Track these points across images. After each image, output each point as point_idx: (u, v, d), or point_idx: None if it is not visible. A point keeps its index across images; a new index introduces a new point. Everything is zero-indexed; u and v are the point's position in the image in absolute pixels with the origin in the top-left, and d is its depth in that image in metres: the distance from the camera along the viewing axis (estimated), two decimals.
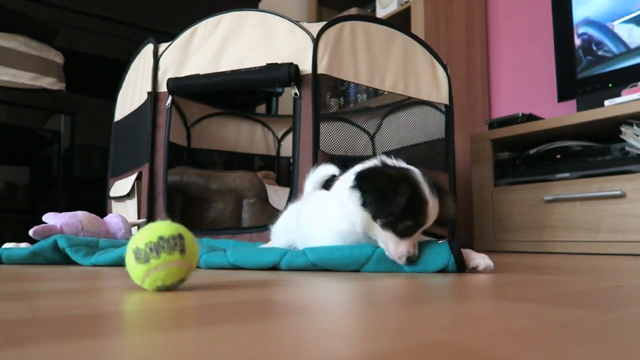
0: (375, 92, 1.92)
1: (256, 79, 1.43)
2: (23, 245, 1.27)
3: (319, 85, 1.40)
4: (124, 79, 1.87)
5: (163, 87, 1.57)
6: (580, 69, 2.01)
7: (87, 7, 2.00)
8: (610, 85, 1.90)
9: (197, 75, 1.51)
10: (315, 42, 1.40)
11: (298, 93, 1.40)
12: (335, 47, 1.44)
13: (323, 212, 0.94)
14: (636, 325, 0.39)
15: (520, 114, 2.03)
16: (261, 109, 2.69)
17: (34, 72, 1.74)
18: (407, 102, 1.69)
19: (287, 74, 1.38)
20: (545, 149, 1.96)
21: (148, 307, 0.48)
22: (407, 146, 1.70)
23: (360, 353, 0.28)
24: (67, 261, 1.08)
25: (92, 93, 2.17)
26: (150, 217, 1.53)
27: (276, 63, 1.40)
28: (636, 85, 1.75)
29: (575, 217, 1.78)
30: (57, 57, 1.83)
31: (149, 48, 1.65)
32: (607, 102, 1.75)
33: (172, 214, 1.59)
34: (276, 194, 1.80)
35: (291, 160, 1.45)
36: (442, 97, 1.69)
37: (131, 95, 1.74)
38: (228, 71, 1.48)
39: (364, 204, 0.82)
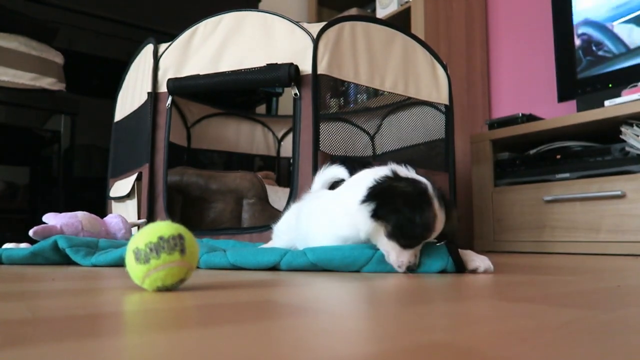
0: (375, 93, 1.92)
1: (256, 79, 1.43)
2: (23, 245, 1.27)
3: (319, 85, 1.40)
4: (124, 79, 1.87)
5: (163, 88, 1.57)
6: (580, 69, 2.01)
7: (87, 8, 2.00)
8: (610, 85, 1.90)
9: (197, 76, 1.51)
10: (315, 42, 1.40)
11: (298, 93, 1.40)
12: (335, 48, 1.44)
13: (325, 214, 0.94)
14: (636, 326, 0.39)
15: (520, 114, 2.03)
16: (261, 109, 2.69)
17: (34, 73, 1.74)
18: (407, 103, 1.69)
19: (287, 74, 1.38)
20: (545, 149, 1.96)
21: (148, 307, 0.48)
22: (407, 146, 1.70)
23: (360, 353, 0.28)
24: (67, 261, 1.08)
25: (92, 93, 2.18)
26: (150, 218, 1.53)
27: (276, 63, 1.40)
28: (636, 86, 1.75)
29: (576, 217, 1.78)
30: (57, 58, 1.83)
31: (149, 48, 1.65)
32: (607, 103, 1.75)
33: (172, 214, 1.59)
34: (276, 194, 1.80)
35: (291, 161, 1.45)
36: (442, 98, 1.69)
37: (131, 96, 1.74)
38: (228, 71, 1.48)
39: (375, 216, 0.80)
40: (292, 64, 1.39)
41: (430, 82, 1.66)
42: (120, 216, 1.39)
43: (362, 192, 0.82)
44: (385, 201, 0.80)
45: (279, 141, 2.40)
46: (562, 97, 2.06)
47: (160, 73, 1.59)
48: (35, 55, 1.75)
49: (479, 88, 2.56)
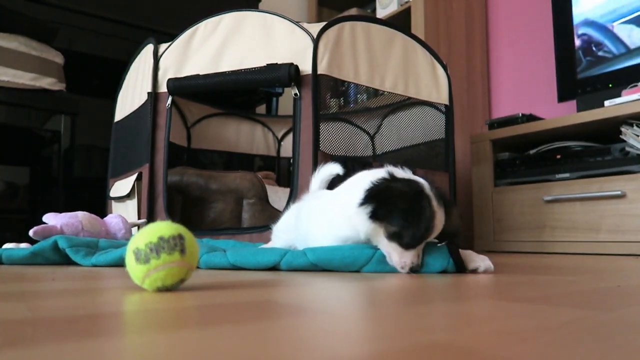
0: (375, 93, 1.92)
1: (256, 79, 1.43)
2: (23, 245, 1.27)
3: (319, 85, 1.40)
4: (124, 79, 1.87)
5: (163, 88, 1.57)
6: (580, 70, 2.01)
7: (87, 8, 2.00)
8: (610, 85, 1.90)
9: (197, 76, 1.51)
10: (316, 42, 1.40)
11: (298, 93, 1.40)
12: (335, 48, 1.44)
13: (325, 215, 0.94)
14: (636, 325, 0.39)
15: (520, 114, 2.03)
16: (261, 109, 2.69)
17: (34, 73, 1.74)
18: (407, 103, 1.69)
19: (287, 74, 1.38)
20: (545, 149, 1.96)
21: (148, 307, 0.48)
22: (407, 146, 1.70)
23: (360, 353, 0.28)
24: (67, 261, 1.08)
25: (92, 93, 2.18)
26: (150, 218, 1.53)
27: (276, 63, 1.40)
28: (636, 86, 1.75)
29: (576, 217, 1.78)
30: (57, 58, 1.83)
31: (149, 48, 1.65)
32: (607, 103, 1.75)
33: (172, 214, 1.59)
34: (276, 194, 1.80)
35: (291, 161, 1.45)
36: (442, 98, 1.69)
37: (131, 96, 1.74)
38: (228, 71, 1.48)
39: (374, 218, 0.80)
40: (292, 64, 1.39)
41: (430, 82, 1.66)
42: (120, 216, 1.39)
43: (360, 194, 0.82)
44: (383, 202, 0.80)
45: (279, 141, 2.40)
46: (562, 97, 2.06)
47: (160, 73, 1.59)
48: (35, 55, 1.75)
49: (479, 88, 2.56)
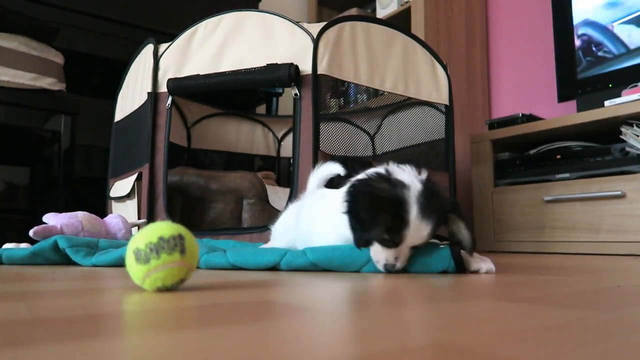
0: (375, 93, 1.92)
1: (256, 79, 1.43)
2: (23, 245, 1.27)
3: (319, 85, 1.40)
4: (124, 79, 1.87)
5: (163, 88, 1.57)
6: (580, 70, 2.01)
7: (87, 8, 2.00)
8: (610, 85, 1.90)
9: (197, 76, 1.51)
10: (316, 42, 1.40)
11: (298, 93, 1.40)
12: (336, 48, 1.44)
13: (326, 214, 0.94)
14: (636, 325, 0.39)
15: (520, 115, 2.03)
16: (261, 109, 2.69)
17: (34, 73, 1.74)
18: (407, 103, 1.69)
19: (287, 74, 1.38)
20: (546, 149, 1.96)
21: (148, 307, 0.48)
22: (407, 146, 1.70)
23: (360, 354, 0.28)
24: (67, 261, 1.08)
25: (92, 93, 2.18)
26: (151, 218, 1.53)
27: (276, 63, 1.40)
28: (636, 86, 1.75)
29: (576, 217, 1.78)
30: (57, 58, 1.83)
31: (149, 48, 1.65)
32: (607, 103, 1.75)
33: (172, 215, 1.59)
34: (276, 195, 1.80)
35: (291, 161, 1.45)
36: (442, 98, 1.69)
37: (131, 96, 1.74)
38: (228, 71, 1.48)
39: (349, 215, 0.80)
40: (292, 64, 1.39)
41: (430, 82, 1.66)
42: (120, 216, 1.39)
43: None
44: (353, 202, 0.80)
45: (279, 141, 2.40)
46: (562, 97, 2.06)
47: (160, 73, 1.59)
48: (36, 55, 1.75)
49: (479, 88, 2.56)
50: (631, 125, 1.69)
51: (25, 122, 1.85)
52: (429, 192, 0.78)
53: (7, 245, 1.25)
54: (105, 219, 1.37)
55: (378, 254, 0.82)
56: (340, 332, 0.35)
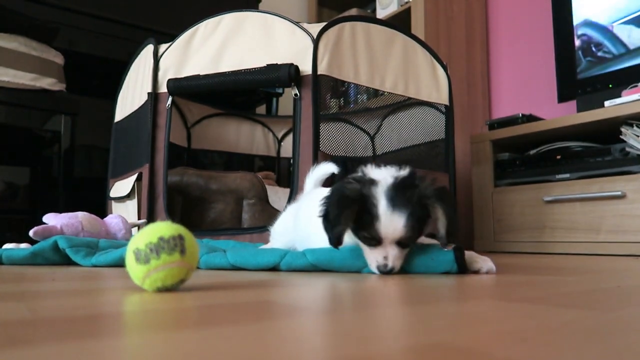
0: (375, 93, 1.92)
1: (256, 79, 1.43)
2: (23, 245, 1.27)
3: (319, 85, 1.40)
4: (124, 79, 1.87)
5: (163, 88, 1.57)
6: (580, 70, 2.01)
7: (87, 8, 2.00)
8: (610, 85, 1.90)
9: (198, 76, 1.51)
10: (316, 42, 1.40)
11: (298, 94, 1.40)
12: (336, 48, 1.44)
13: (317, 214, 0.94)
14: (636, 326, 0.39)
15: (520, 115, 2.03)
16: (261, 109, 2.69)
17: (34, 73, 1.74)
18: (407, 103, 1.69)
19: (288, 74, 1.38)
20: (546, 149, 1.96)
21: (148, 307, 0.48)
22: (407, 147, 1.70)
23: (360, 354, 0.28)
24: (67, 262, 1.08)
25: (92, 94, 2.18)
26: (151, 218, 1.53)
27: (276, 64, 1.40)
28: (636, 86, 1.75)
29: (576, 217, 1.78)
30: (57, 58, 1.83)
31: (149, 49, 1.65)
32: (607, 103, 1.75)
33: (172, 215, 1.59)
34: (276, 195, 1.80)
35: (291, 161, 1.45)
36: (442, 98, 1.69)
37: (131, 96, 1.74)
38: (228, 72, 1.48)
39: (325, 220, 0.82)
40: (292, 64, 1.39)
41: (430, 82, 1.66)
42: (120, 216, 1.39)
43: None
44: (325, 206, 0.81)
45: (279, 141, 2.40)
46: (562, 97, 2.06)
47: (160, 73, 1.59)
48: (36, 55, 1.75)
49: (479, 88, 2.56)
50: (631, 125, 1.69)
51: (26, 123, 1.85)
52: (400, 185, 0.79)
53: (7, 246, 1.25)
54: (105, 219, 1.37)
55: (368, 255, 0.82)
56: (340, 332, 0.35)
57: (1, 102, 1.72)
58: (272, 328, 0.37)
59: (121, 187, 1.69)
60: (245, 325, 0.38)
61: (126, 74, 1.85)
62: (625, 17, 1.91)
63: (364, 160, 1.58)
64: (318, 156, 1.36)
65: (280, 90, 2.52)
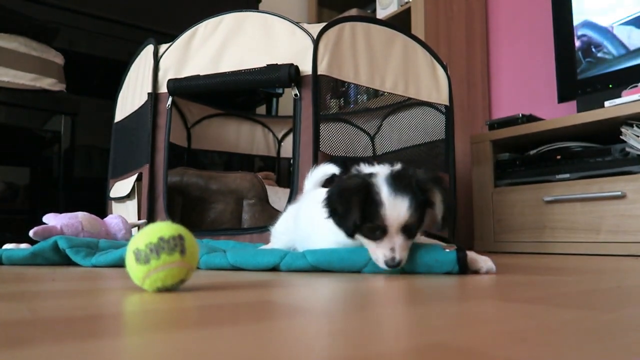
0: (375, 93, 1.92)
1: (256, 79, 1.43)
2: (23, 246, 1.27)
3: (319, 86, 1.40)
4: (124, 79, 1.87)
5: (163, 88, 1.57)
6: (580, 70, 2.02)
7: (87, 8, 2.00)
8: (610, 86, 1.90)
9: (198, 76, 1.51)
10: (316, 43, 1.40)
11: (298, 94, 1.40)
12: (336, 48, 1.44)
13: (323, 215, 0.94)
14: (636, 326, 0.39)
15: (520, 115, 2.03)
16: (261, 109, 2.69)
17: (34, 73, 1.74)
18: (407, 103, 1.69)
19: (288, 74, 1.38)
20: (546, 149, 1.96)
21: (148, 308, 0.48)
22: (407, 147, 1.70)
23: (360, 354, 0.28)
24: (68, 262, 1.08)
25: (92, 94, 2.18)
26: (151, 218, 1.53)
27: (276, 64, 1.40)
28: (636, 86, 1.75)
29: (576, 217, 1.78)
30: (57, 58, 1.83)
31: (149, 49, 1.65)
32: (607, 103, 1.75)
33: (172, 215, 1.59)
34: (276, 195, 1.80)
35: (291, 161, 1.45)
36: (442, 98, 1.69)
37: (131, 96, 1.74)
38: (228, 72, 1.48)
39: (333, 218, 0.83)
40: (292, 64, 1.39)
41: (430, 82, 1.66)
42: (120, 217, 1.39)
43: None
44: (329, 205, 0.83)
45: (279, 142, 2.40)
46: (563, 97, 2.06)
47: (160, 73, 1.59)
48: (36, 55, 1.75)
49: (479, 88, 2.56)
50: (631, 125, 1.69)
51: (26, 123, 1.85)
52: (398, 174, 0.81)
53: (7, 246, 1.25)
54: (105, 219, 1.37)
55: (375, 251, 0.82)
56: (339, 332, 0.35)
57: (1, 102, 1.72)
58: (272, 328, 0.37)
59: (121, 187, 1.69)
60: (246, 325, 0.38)
61: (126, 74, 1.85)
62: (625, 18, 1.91)
63: (364, 161, 1.58)
64: (318, 156, 1.36)
65: (280, 91, 2.52)
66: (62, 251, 1.07)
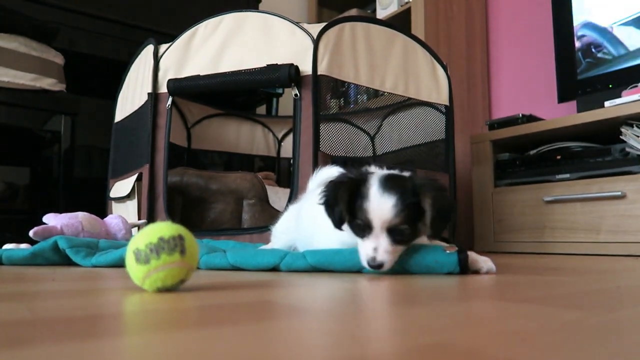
0: (375, 93, 1.92)
1: (256, 79, 1.43)
2: (23, 246, 1.27)
3: (319, 86, 1.40)
4: (124, 79, 1.87)
5: (163, 88, 1.57)
6: (580, 70, 2.02)
7: (88, 8, 2.00)
8: (610, 86, 1.90)
9: (198, 76, 1.51)
10: (316, 43, 1.40)
11: (298, 94, 1.40)
12: (336, 48, 1.44)
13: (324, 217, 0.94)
14: (636, 326, 0.39)
15: (520, 115, 2.03)
16: (261, 109, 2.69)
17: (34, 73, 1.74)
18: (407, 103, 1.69)
19: (288, 74, 1.38)
20: (546, 149, 1.96)
21: (148, 308, 0.48)
22: (407, 147, 1.70)
23: (360, 354, 0.28)
24: (68, 262, 1.08)
25: (92, 94, 2.18)
26: (151, 218, 1.53)
27: (276, 64, 1.40)
28: (636, 86, 1.75)
29: (576, 218, 1.78)
30: (57, 58, 1.83)
31: (149, 49, 1.65)
32: (607, 103, 1.75)
33: (173, 215, 1.59)
34: (276, 195, 1.80)
35: (291, 161, 1.45)
36: (442, 98, 1.69)
37: (131, 96, 1.74)
38: (228, 72, 1.48)
39: (327, 213, 0.84)
40: (292, 64, 1.39)
41: (430, 82, 1.66)
42: (120, 217, 1.39)
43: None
44: (324, 192, 0.85)
45: (279, 142, 2.40)
46: (563, 97, 2.06)
47: (160, 74, 1.59)
48: (36, 55, 1.75)
49: (479, 88, 2.56)
50: (631, 125, 1.69)
51: (26, 123, 1.85)
52: (393, 175, 0.82)
53: (7, 246, 1.25)
54: (105, 219, 1.37)
55: (360, 250, 0.81)
56: (339, 332, 0.35)
57: (1, 102, 1.72)
58: (272, 328, 0.37)
59: (121, 187, 1.69)
60: (246, 325, 0.38)
61: (126, 74, 1.85)
62: (625, 18, 1.91)
63: (364, 161, 1.58)
64: (318, 156, 1.36)
65: (280, 91, 2.52)
66: (62, 251, 1.07)
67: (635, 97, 1.68)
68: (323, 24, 1.44)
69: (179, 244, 0.58)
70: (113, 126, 1.90)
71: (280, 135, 2.40)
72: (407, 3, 2.57)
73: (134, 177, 1.59)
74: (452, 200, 0.84)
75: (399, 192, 0.78)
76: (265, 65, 1.42)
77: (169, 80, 1.54)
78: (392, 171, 0.85)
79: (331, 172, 1.12)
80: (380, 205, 0.78)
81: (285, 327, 0.37)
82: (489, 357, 0.27)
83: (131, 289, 0.61)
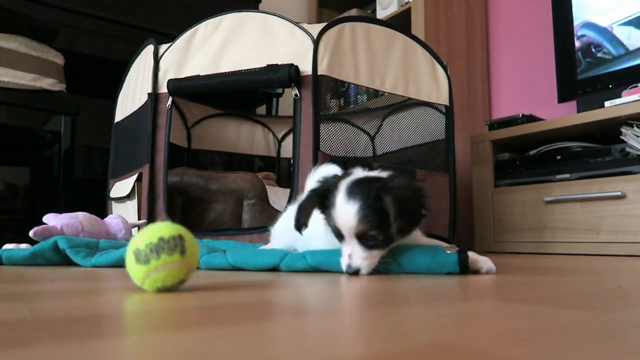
0: (375, 93, 1.92)
1: (256, 80, 1.43)
2: (23, 246, 1.27)
3: (319, 86, 1.40)
4: (124, 80, 1.87)
5: (163, 88, 1.57)
6: (580, 70, 2.02)
7: (88, 8, 2.00)
8: (610, 86, 1.90)
9: (198, 76, 1.51)
10: (316, 43, 1.40)
11: (298, 94, 1.41)
12: (336, 48, 1.44)
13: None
14: (637, 326, 0.39)
15: (520, 115, 2.03)
16: (261, 109, 2.69)
17: (35, 73, 1.74)
18: (407, 103, 1.69)
19: (288, 75, 1.38)
20: (546, 149, 1.96)
21: (148, 308, 0.48)
22: (407, 147, 1.70)
23: (360, 354, 0.28)
24: (68, 262, 1.08)
25: (92, 94, 2.18)
26: (151, 218, 1.53)
27: (276, 64, 1.41)
28: (636, 86, 1.75)
29: (576, 218, 1.78)
30: (58, 58, 1.83)
31: (149, 49, 1.65)
32: (607, 103, 1.75)
33: (173, 215, 1.59)
34: (276, 195, 1.80)
35: (291, 161, 1.45)
36: (442, 98, 1.69)
37: (131, 96, 1.74)
38: (228, 72, 1.48)
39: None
40: (292, 64, 1.39)
41: (430, 82, 1.66)
42: (120, 217, 1.39)
43: None
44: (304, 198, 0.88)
45: (279, 142, 2.40)
46: (563, 97, 2.06)
47: (160, 74, 1.59)
48: (36, 55, 1.75)
49: (479, 88, 2.56)
50: (631, 125, 1.69)
51: (26, 123, 1.85)
52: (364, 179, 0.81)
53: (7, 246, 1.25)
54: (105, 219, 1.37)
55: (344, 253, 0.81)
56: (339, 333, 0.35)
57: (1, 102, 1.72)
58: (272, 328, 0.37)
59: (121, 187, 1.69)
60: (246, 325, 0.38)
61: (126, 74, 1.85)
62: (625, 18, 1.91)
63: (364, 161, 1.58)
64: (318, 156, 1.36)
65: (280, 91, 2.52)
66: (62, 251, 1.07)
67: (635, 97, 1.68)
68: (323, 24, 1.44)
69: (179, 244, 0.58)
70: (113, 126, 1.90)
71: (280, 136, 2.40)
72: (407, 3, 2.57)
73: (134, 177, 1.59)
74: (419, 194, 0.81)
75: (362, 199, 0.77)
76: (265, 65, 1.42)
77: (169, 81, 1.54)
78: (368, 174, 0.84)
79: (328, 170, 1.12)
80: (345, 213, 0.78)
81: (285, 327, 0.37)
82: (489, 357, 0.27)
83: (131, 289, 0.61)
